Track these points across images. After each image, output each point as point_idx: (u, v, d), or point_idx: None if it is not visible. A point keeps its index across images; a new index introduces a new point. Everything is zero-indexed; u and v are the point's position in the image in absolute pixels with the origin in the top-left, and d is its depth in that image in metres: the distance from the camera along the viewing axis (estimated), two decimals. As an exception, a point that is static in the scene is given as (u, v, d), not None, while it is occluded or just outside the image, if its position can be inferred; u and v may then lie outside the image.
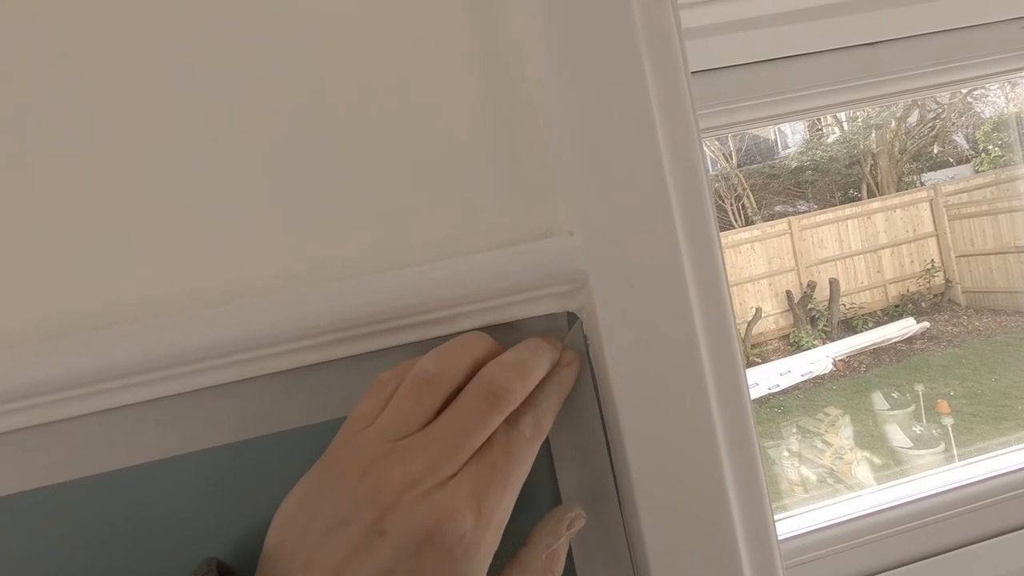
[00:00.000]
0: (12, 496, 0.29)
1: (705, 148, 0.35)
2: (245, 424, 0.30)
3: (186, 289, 0.29)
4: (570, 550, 0.30)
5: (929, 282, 4.64)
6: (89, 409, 0.29)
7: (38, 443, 0.29)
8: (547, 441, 0.30)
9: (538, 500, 0.28)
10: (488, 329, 0.30)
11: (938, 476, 0.98)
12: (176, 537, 0.29)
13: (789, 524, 0.87)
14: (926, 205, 4.80)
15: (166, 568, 0.29)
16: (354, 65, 0.29)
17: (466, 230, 0.30)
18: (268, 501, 0.28)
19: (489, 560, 0.23)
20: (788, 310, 4.65)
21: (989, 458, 1.02)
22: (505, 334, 0.29)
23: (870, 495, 0.95)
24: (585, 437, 0.31)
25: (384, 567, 0.22)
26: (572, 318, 0.30)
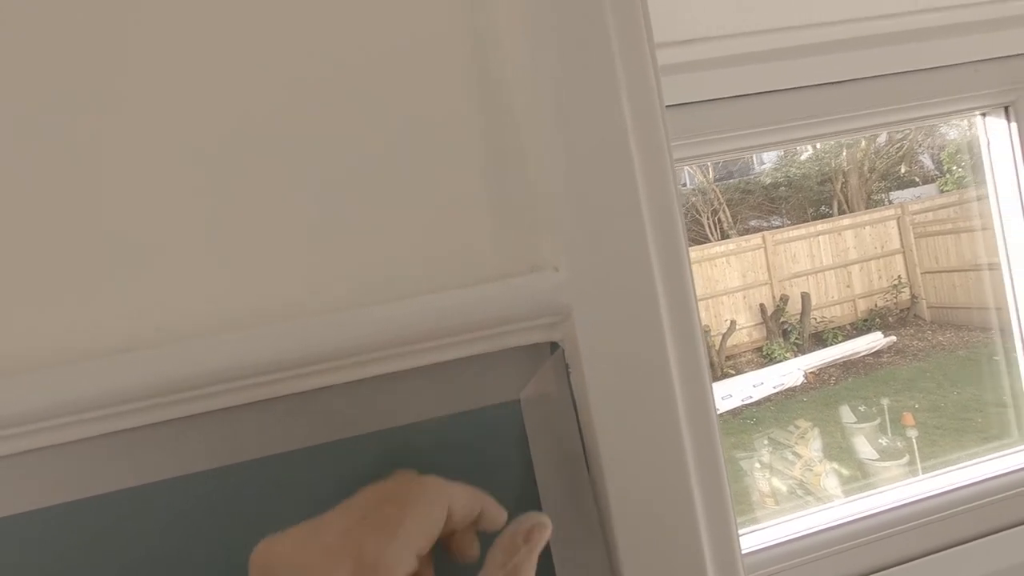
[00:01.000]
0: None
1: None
2: (238, 448, 0.30)
3: (171, 319, 0.30)
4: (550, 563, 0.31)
5: (896, 297, 4.78)
6: (79, 436, 0.29)
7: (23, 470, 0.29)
8: (531, 462, 0.31)
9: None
10: (477, 358, 0.31)
11: (903, 489, 1.02)
12: (154, 557, 0.29)
13: (761, 536, 0.89)
14: (894, 223, 4.96)
15: None
16: (353, 102, 0.31)
17: (457, 265, 0.31)
18: (243, 525, 0.29)
19: None
20: (762, 323, 4.73)
21: (951, 471, 1.05)
22: (492, 361, 0.31)
23: (839, 507, 0.98)
24: (566, 457, 0.32)
25: None
26: (554, 347, 0.32)
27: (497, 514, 0.27)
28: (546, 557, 0.31)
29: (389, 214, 0.31)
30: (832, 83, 0.63)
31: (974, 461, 1.06)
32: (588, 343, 0.30)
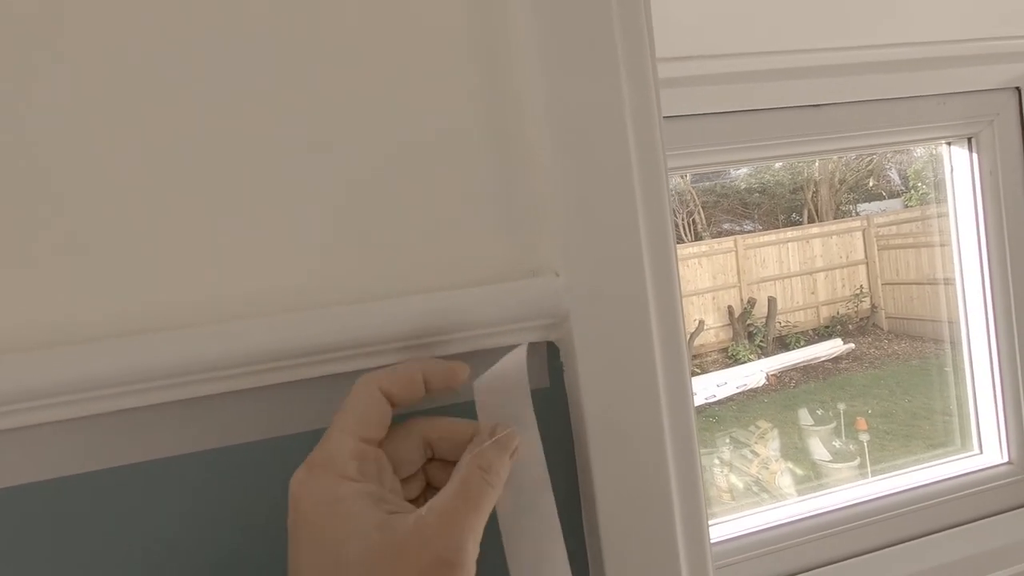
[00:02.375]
0: (12, 489, 0.30)
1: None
2: (242, 430, 0.32)
3: (179, 305, 0.31)
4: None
5: (857, 306, 4.93)
6: (95, 411, 0.30)
7: (38, 441, 0.30)
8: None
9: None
10: (472, 354, 0.33)
11: (853, 490, 1.07)
12: (166, 535, 0.31)
13: (719, 530, 0.93)
14: (859, 234, 5.10)
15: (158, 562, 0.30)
16: (355, 99, 0.32)
17: (460, 264, 0.33)
18: (252, 505, 0.30)
19: (347, 488, 0.23)
20: (728, 324, 4.83)
21: (898, 475, 1.12)
22: (490, 358, 0.33)
23: (794, 504, 1.03)
24: (556, 449, 0.34)
25: (291, 552, 0.24)
26: (551, 348, 0.34)
27: (446, 370, 0.26)
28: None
29: (393, 211, 0.32)
30: (808, 106, 0.67)
31: (920, 467, 1.12)
32: (582, 344, 0.33)
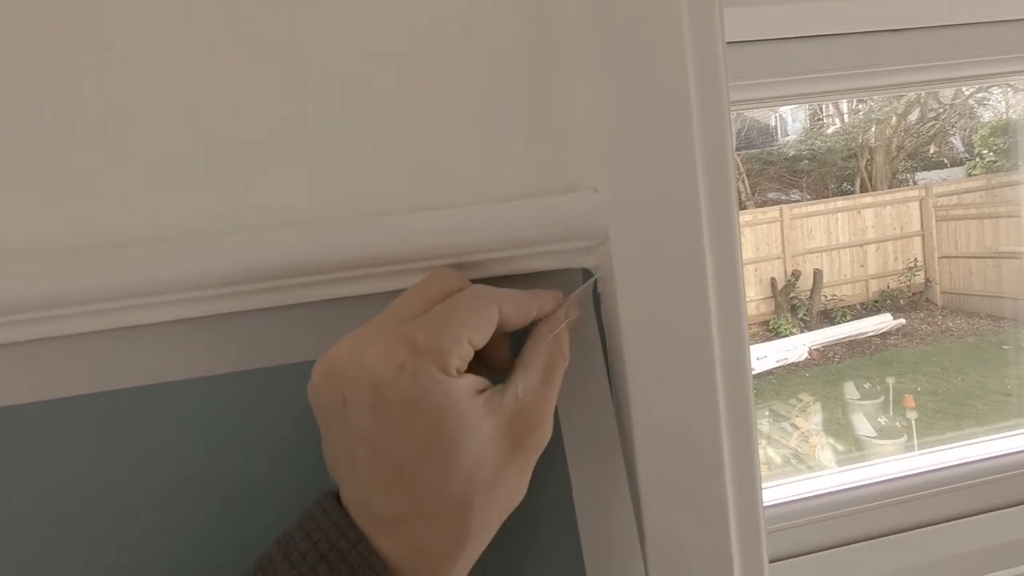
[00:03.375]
0: (22, 407, 0.29)
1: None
2: (249, 354, 0.30)
3: (199, 216, 0.29)
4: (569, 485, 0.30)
5: (910, 280, 4.73)
6: (104, 326, 0.29)
7: (53, 356, 0.29)
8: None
9: (545, 459, 0.29)
10: (501, 279, 0.30)
11: (902, 462, 1.02)
12: (178, 458, 0.29)
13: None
14: (916, 204, 4.85)
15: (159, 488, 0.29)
16: (388, 7, 0.28)
17: (489, 178, 0.30)
18: (264, 431, 0.29)
19: (455, 384, 0.24)
20: (771, 297, 4.71)
21: (950, 448, 1.06)
22: (520, 284, 0.30)
23: (836, 475, 0.99)
24: (591, 395, 0.31)
25: (361, 433, 0.23)
26: (587, 275, 0.31)
27: (557, 314, 0.28)
28: (564, 480, 0.30)
29: (416, 118, 0.29)
30: (886, 31, 0.59)
31: (972, 441, 1.06)
32: (623, 271, 0.29)
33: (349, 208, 0.29)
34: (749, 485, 0.32)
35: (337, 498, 0.25)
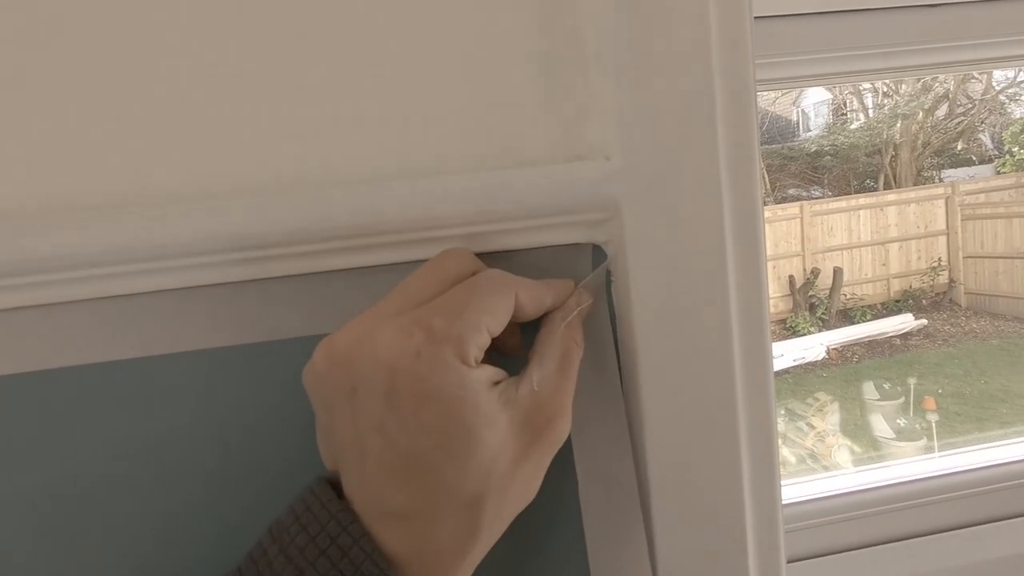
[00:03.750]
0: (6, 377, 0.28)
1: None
2: (249, 327, 0.29)
3: (203, 177, 0.27)
4: (575, 478, 0.29)
5: (933, 280, 4.62)
6: (95, 294, 0.27)
7: (36, 324, 0.28)
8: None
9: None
10: (507, 256, 0.28)
11: (923, 463, 0.99)
12: (168, 436, 0.28)
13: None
14: (941, 202, 4.74)
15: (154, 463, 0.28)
16: None
17: (493, 143, 0.27)
18: (261, 407, 0.28)
19: (473, 376, 0.23)
20: (789, 295, 4.65)
21: (971, 451, 1.03)
22: (525, 260, 0.28)
23: (853, 475, 0.96)
24: (599, 385, 0.29)
25: (373, 422, 0.22)
26: (597, 251, 0.29)
27: (570, 304, 0.28)
28: (571, 474, 0.28)
29: (418, 79, 0.27)
30: (920, 5, 0.56)
31: (995, 444, 1.03)
32: (636, 246, 0.27)
33: (345, 174, 0.27)
34: (767, 483, 0.30)
35: (332, 487, 0.24)
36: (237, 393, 0.28)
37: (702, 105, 0.26)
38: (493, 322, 0.24)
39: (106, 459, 0.28)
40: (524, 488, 0.24)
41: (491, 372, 0.24)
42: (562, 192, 0.26)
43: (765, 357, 0.29)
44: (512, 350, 0.27)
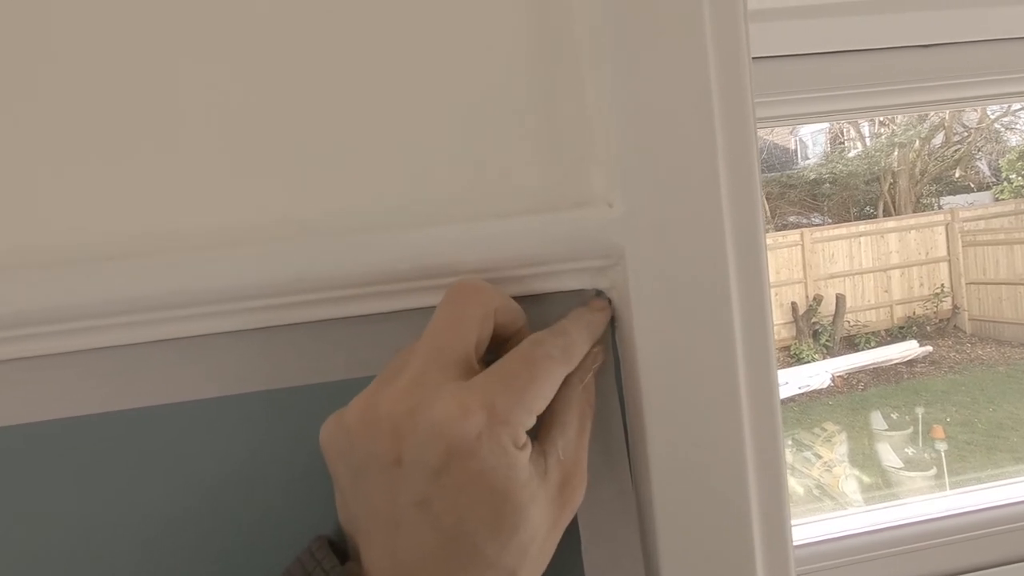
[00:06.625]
0: (34, 424, 0.27)
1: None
2: (272, 373, 0.28)
3: (212, 228, 0.27)
4: (579, 542, 0.28)
5: (937, 307, 4.61)
6: (122, 341, 0.27)
7: (57, 372, 0.27)
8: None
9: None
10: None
11: (933, 502, 0.97)
12: (202, 479, 0.27)
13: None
14: (941, 229, 4.76)
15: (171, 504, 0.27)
16: (394, 14, 0.27)
17: (495, 192, 0.27)
18: (292, 451, 0.27)
19: (523, 457, 0.22)
20: (791, 322, 4.63)
21: (985, 488, 1.00)
22: (528, 307, 0.28)
23: (863, 514, 0.94)
24: (602, 430, 0.29)
25: (415, 496, 0.21)
26: (600, 296, 0.28)
27: (583, 362, 0.28)
28: (574, 528, 0.27)
29: (420, 127, 0.28)
30: (915, 46, 0.56)
31: (1010, 481, 1.00)
32: (639, 293, 0.26)
33: (348, 223, 0.27)
34: (779, 536, 0.29)
35: (333, 547, 0.23)
36: (235, 444, 0.28)
37: (703, 150, 0.27)
38: (543, 405, 0.24)
39: (132, 502, 0.27)
40: (549, 556, 0.24)
41: (529, 449, 0.23)
42: (565, 240, 0.26)
43: (772, 401, 0.29)
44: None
